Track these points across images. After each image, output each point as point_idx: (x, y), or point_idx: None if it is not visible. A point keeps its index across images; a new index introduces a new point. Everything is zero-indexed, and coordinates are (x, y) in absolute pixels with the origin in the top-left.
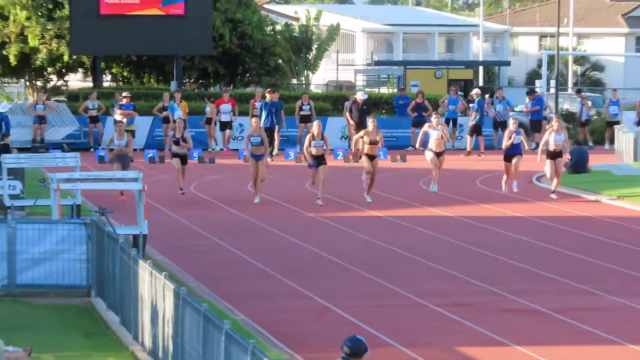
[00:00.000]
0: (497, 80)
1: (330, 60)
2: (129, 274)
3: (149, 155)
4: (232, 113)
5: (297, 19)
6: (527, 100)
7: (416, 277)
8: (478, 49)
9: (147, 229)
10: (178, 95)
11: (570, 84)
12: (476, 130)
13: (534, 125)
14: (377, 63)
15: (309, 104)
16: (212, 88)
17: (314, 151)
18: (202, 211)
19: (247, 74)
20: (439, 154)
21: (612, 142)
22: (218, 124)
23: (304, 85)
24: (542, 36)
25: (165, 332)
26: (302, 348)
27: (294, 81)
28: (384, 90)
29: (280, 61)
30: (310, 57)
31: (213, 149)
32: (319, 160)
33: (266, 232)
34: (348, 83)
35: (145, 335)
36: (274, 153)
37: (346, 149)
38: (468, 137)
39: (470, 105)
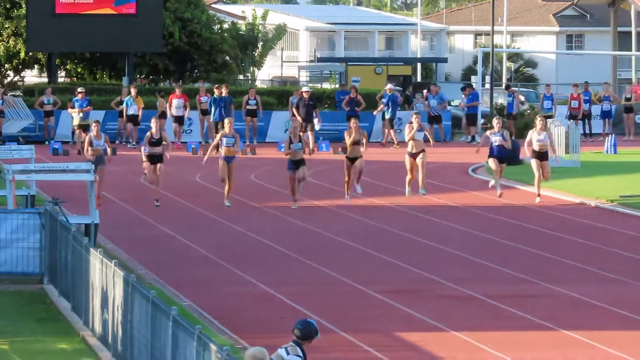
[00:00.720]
0: (435, 76)
1: (275, 57)
2: (81, 262)
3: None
4: (184, 107)
5: (244, 18)
6: (463, 95)
7: (357, 265)
8: (416, 46)
9: (98, 219)
10: (134, 91)
11: (504, 80)
12: (390, 123)
13: (470, 118)
14: (320, 60)
15: (255, 98)
16: (162, 84)
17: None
18: (152, 201)
19: (196, 70)
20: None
21: None
22: (171, 118)
23: (249, 81)
24: (477, 34)
25: (115, 318)
26: (246, 333)
27: (241, 77)
28: (326, 85)
29: (227, 58)
30: (256, 54)
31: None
32: (297, 163)
33: (213, 221)
34: (292, 79)
35: (96, 321)
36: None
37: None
38: (386, 130)
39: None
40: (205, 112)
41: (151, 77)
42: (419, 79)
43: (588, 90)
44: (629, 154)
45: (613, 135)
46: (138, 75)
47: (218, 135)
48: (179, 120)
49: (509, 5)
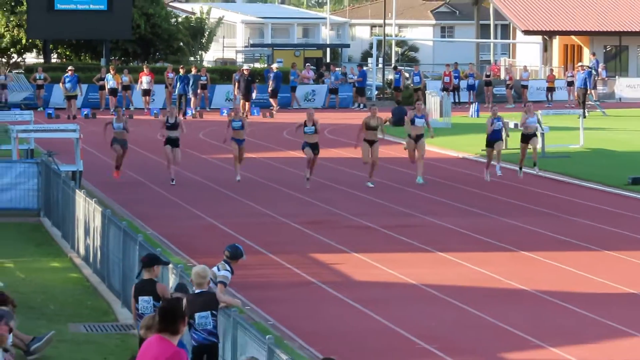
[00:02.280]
0: (340, 58)
1: (217, 44)
2: (69, 200)
3: (84, 112)
4: (151, 82)
5: (193, 13)
6: (352, 72)
7: (281, 202)
8: (326, 35)
9: (82, 167)
10: (112, 69)
11: (393, 62)
12: (274, 94)
13: (359, 91)
14: (252, 45)
15: (206, 75)
16: (131, 64)
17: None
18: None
19: (157, 54)
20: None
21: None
22: (140, 90)
23: (198, 62)
24: (373, 26)
25: (95, 243)
26: (196, 254)
27: (192, 59)
28: (257, 65)
29: (181, 44)
30: (203, 41)
31: (128, 108)
32: (313, 146)
33: (172, 170)
34: (231, 60)
35: (80, 246)
36: (187, 113)
37: (230, 108)
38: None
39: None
40: (169, 86)
41: (123, 58)
42: (328, 60)
43: (457, 69)
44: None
45: (476, 103)
46: (113, 57)
47: (228, 119)
48: (147, 92)
49: (396, 4)
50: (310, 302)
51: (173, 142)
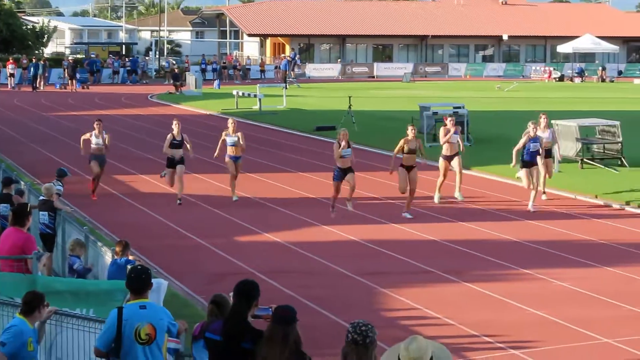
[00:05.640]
0: (131, 51)
1: (53, 42)
2: None
3: None
4: (15, 68)
5: (37, 23)
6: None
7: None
8: (122, 37)
9: None
10: None
11: (165, 54)
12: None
13: (129, 72)
14: (75, 43)
15: (45, 62)
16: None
17: (228, 150)
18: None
19: (14, 49)
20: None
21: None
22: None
23: (42, 54)
24: (153, 31)
25: None
26: (40, 176)
27: (37, 52)
28: (78, 56)
29: (30, 43)
30: (44, 41)
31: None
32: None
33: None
34: (62, 53)
35: None
36: (38, 88)
37: (60, 84)
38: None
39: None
40: (24, 70)
41: None
42: (123, 53)
43: (204, 59)
44: (229, 89)
45: (218, 80)
46: None
47: (223, 134)
48: (12, 75)
49: (168, 16)
50: (112, 206)
51: (175, 162)
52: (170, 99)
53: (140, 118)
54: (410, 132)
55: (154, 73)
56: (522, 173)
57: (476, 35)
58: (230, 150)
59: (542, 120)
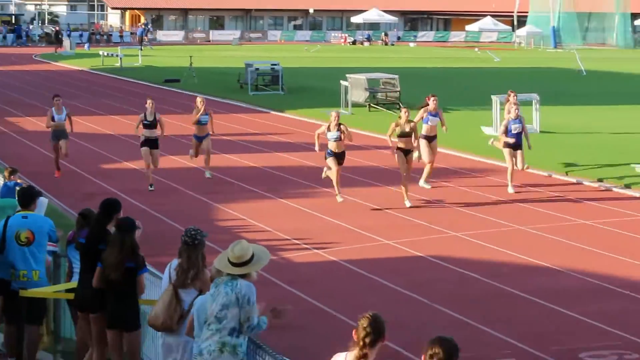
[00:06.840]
0: (20, 21)
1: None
2: None
3: None
4: None
5: None
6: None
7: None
8: (14, 10)
9: None
10: None
11: (46, 22)
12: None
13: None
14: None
15: None
16: None
17: (195, 129)
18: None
19: None
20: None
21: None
22: None
23: None
24: (37, 4)
25: None
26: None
27: None
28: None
29: None
30: None
31: None
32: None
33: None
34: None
35: None
36: None
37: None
38: None
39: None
40: None
41: None
42: (13, 22)
43: (70, 29)
44: (96, 50)
45: (88, 42)
46: None
47: (196, 114)
48: None
49: None
50: (5, 141)
51: (152, 143)
52: (51, 58)
53: (28, 73)
54: (403, 114)
55: (37, 38)
56: (505, 152)
57: (289, 9)
58: (197, 130)
59: (512, 98)
